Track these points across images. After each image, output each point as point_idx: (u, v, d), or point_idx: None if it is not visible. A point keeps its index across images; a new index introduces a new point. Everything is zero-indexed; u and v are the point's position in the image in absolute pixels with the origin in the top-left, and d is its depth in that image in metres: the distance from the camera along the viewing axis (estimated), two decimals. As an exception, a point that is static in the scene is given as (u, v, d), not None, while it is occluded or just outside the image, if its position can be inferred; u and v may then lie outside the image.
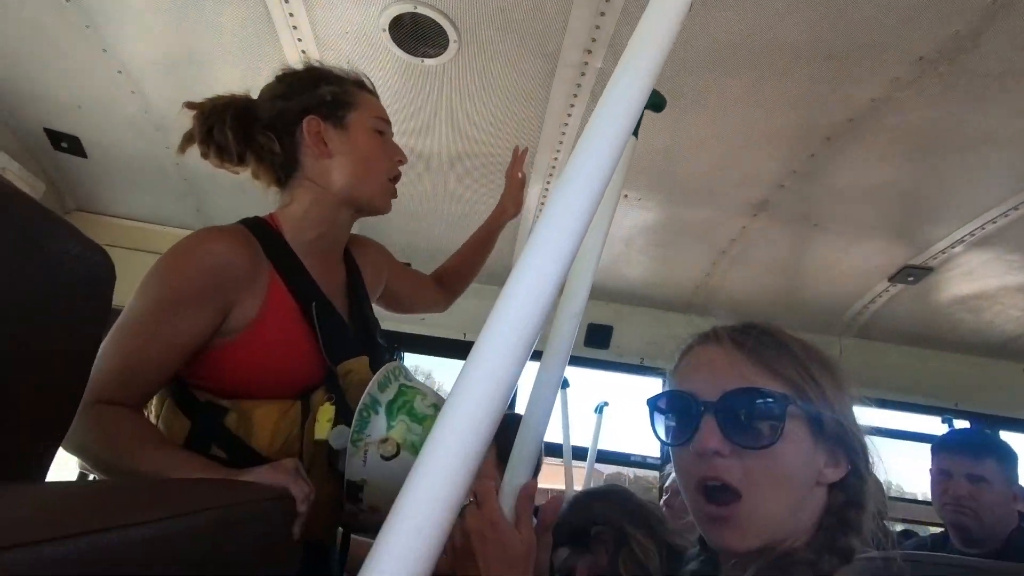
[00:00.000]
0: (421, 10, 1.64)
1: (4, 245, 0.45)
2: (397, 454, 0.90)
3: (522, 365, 0.42)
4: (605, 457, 2.95)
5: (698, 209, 2.40)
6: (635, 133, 0.94)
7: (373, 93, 1.09)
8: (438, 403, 1.00)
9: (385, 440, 0.90)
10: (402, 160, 1.09)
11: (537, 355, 0.83)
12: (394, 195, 1.09)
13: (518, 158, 1.55)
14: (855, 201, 2.21)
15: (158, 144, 2.34)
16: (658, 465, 2.91)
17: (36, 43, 1.94)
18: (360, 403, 0.91)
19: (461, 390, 0.40)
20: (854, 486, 0.65)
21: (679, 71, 1.71)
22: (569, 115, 1.95)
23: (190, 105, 1.00)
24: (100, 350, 0.79)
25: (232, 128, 0.97)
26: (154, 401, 0.92)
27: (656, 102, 0.96)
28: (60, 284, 0.50)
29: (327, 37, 1.78)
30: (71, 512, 0.38)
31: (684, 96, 1.81)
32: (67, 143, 2.41)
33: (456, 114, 2.02)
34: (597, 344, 2.97)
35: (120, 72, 2.03)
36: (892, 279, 2.65)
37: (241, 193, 2.55)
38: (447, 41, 1.74)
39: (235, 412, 0.90)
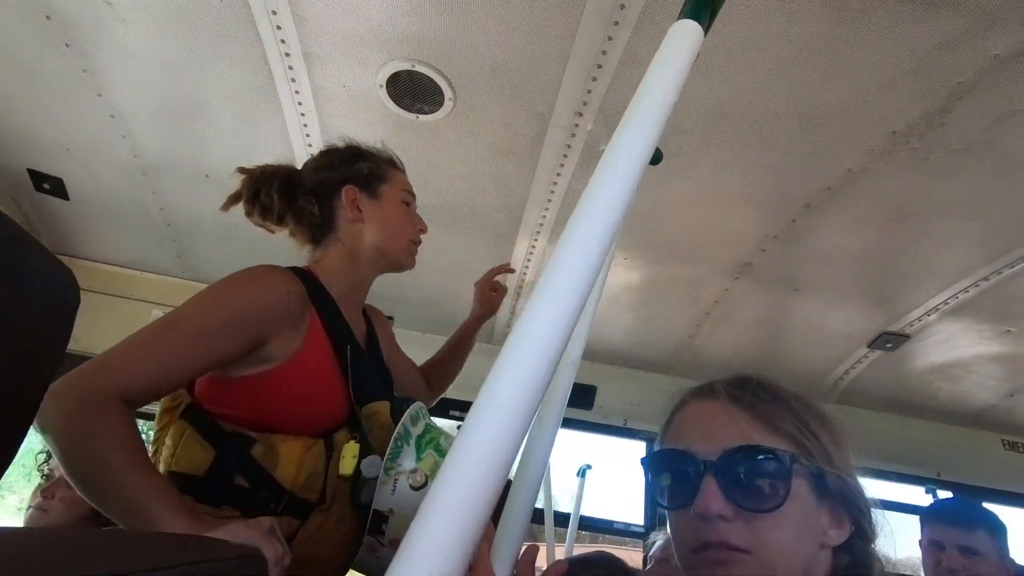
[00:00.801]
0: (419, 68, 1.69)
1: None
2: (425, 485, 0.94)
3: (524, 431, 0.39)
4: (588, 524, 2.84)
5: (682, 269, 2.43)
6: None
7: (402, 170, 1.24)
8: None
9: (415, 471, 0.95)
10: (423, 229, 1.23)
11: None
12: (416, 255, 1.23)
13: (495, 271, 1.55)
14: (834, 267, 2.27)
15: (144, 189, 2.33)
16: (642, 534, 2.80)
17: (31, 84, 1.94)
18: (395, 432, 0.95)
19: (457, 460, 0.36)
20: (860, 548, 0.62)
21: (665, 131, 1.77)
22: (559, 174, 2.00)
23: (242, 170, 1.13)
24: (132, 343, 0.82)
25: (278, 192, 1.10)
26: (171, 430, 0.93)
27: (655, 158, 0.97)
28: (19, 296, 0.46)
29: (325, 91, 1.82)
30: (24, 563, 0.33)
31: (671, 157, 1.87)
32: (50, 184, 2.37)
33: (448, 169, 2.06)
34: (581, 404, 2.92)
35: (113, 116, 2.03)
36: (871, 345, 2.69)
37: (227, 241, 2.54)
38: (442, 99, 1.79)
39: (262, 443, 0.92)
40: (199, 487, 0.88)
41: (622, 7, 1.41)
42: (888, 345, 2.66)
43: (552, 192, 2.08)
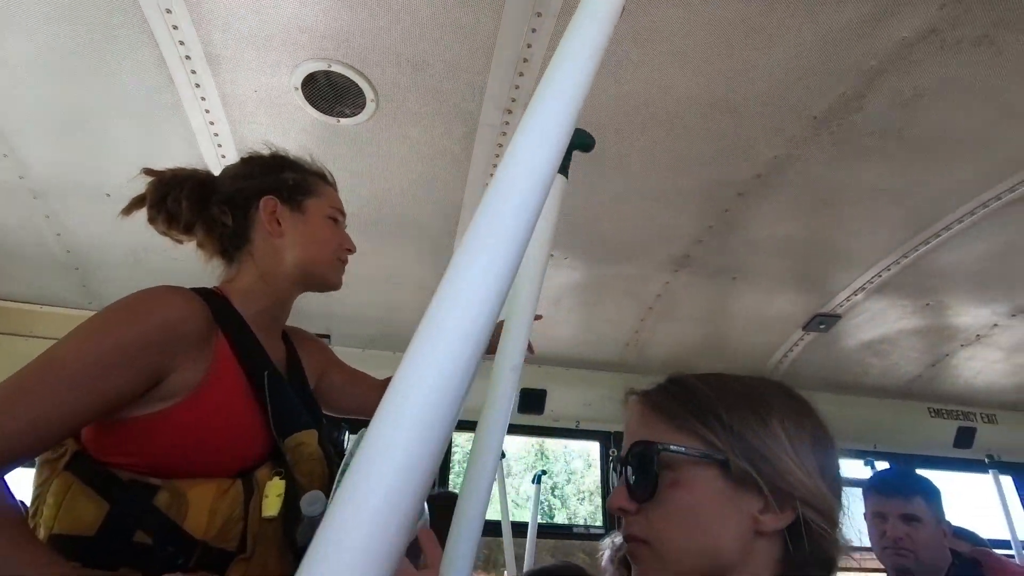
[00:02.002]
0: (336, 68, 1.59)
1: None
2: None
3: (439, 443, 0.31)
4: (547, 531, 2.78)
5: (623, 266, 2.43)
6: (564, 172, 0.91)
7: (333, 185, 1.15)
8: None
9: None
10: (351, 248, 1.13)
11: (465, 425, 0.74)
12: (342, 272, 1.13)
13: None
14: (769, 254, 2.32)
15: (36, 213, 2.10)
16: (601, 535, 2.77)
17: None
18: (342, 464, 0.84)
19: (359, 478, 0.29)
20: (816, 533, 0.59)
21: (597, 131, 1.75)
22: (491, 175, 1.94)
23: (149, 172, 1.02)
24: (8, 382, 0.72)
25: (188, 198, 0.99)
26: (53, 485, 0.80)
27: (584, 142, 0.94)
28: None
29: (234, 96, 1.69)
30: None
31: (601, 154, 1.85)
32: (-78, 213, 2.10)
33: (375, 174, 1.96)
34: (531, 409, 2.87)
35: (-8, 133, 1.82)
36: (805, 327, 2.78)
37: (136, 266, 2.33)
38: (364, 101, 1.69)
39: (166, 491, 0.80)
40: (89, 549, 0.75)
41: (543, -4, 1.37)
42: (821, 326, 2.75)
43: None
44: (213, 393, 0.86)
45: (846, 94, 1.61)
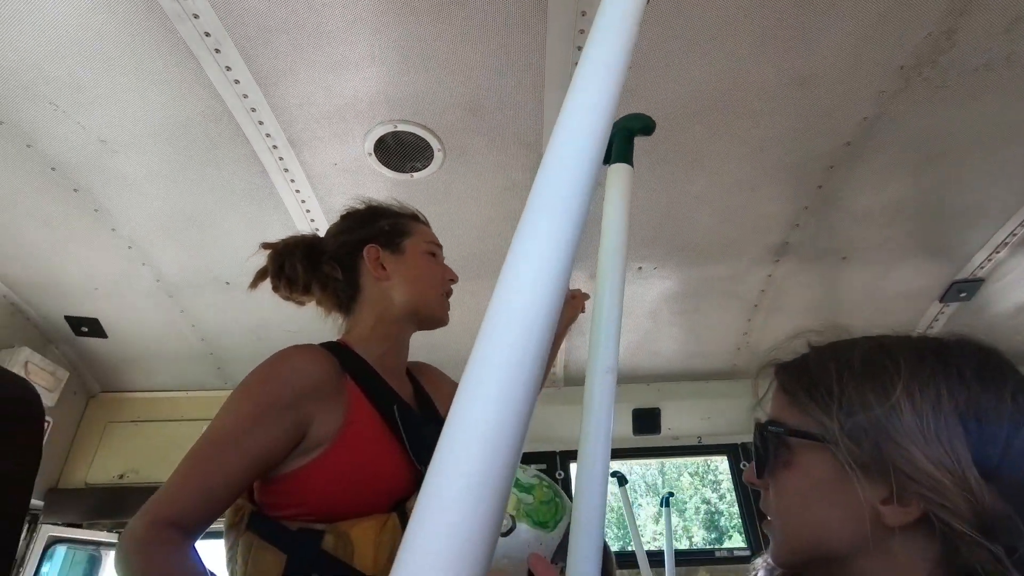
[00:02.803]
0: (401, 128, 1.69)
1: None
2: (512, 527, 0.95)
3: (508, 464, 0.30)
4: (686, 558, 2.61)
5: (717, 267, 2.31)
6: (628, 160, 0.89)
7: (425, 223, 1.21)
8: (539, 475, 1.07)
9: None
10: (454, 278, 1.17)
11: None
12: (448, 307, 1.17)
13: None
14: (879, 225, 2.11)
15: (173, 310, 2.38)
16: (747, 557, 2.56)
17: (53, 234, 2.04)
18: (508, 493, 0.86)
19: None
20: (958, 543, 0.47)
21: (663, 130, 1.71)
22: (564, 198, 1.95)
23: (266, 245, 1.11)
24: (179, 470, 0.81)
25: (300, 261, 1.08)
26: (239, 547, 0.89)
27: (645, 125, 0.92)
28: None
29: (318, 172, 1.84)
30: None
31: (674, 154, 1.80)
32: (87, 327, 2.46)
33: (456, 219, 2.03)
34: (647, 430, 2.75)
35: (130, 247, 2.10)
36: (943, 299, 2.46)
37: (259, 342, 2.55)
38: (432, 152, 1.78)
39: (331, 534, 0.86)
40: None
41: (583, 14, 1.38)
42: (962, 295, 2.43)
43: (563, 218, 2.02)
44: (353, 435, 0.91)
45: (932, 34, 1.46)
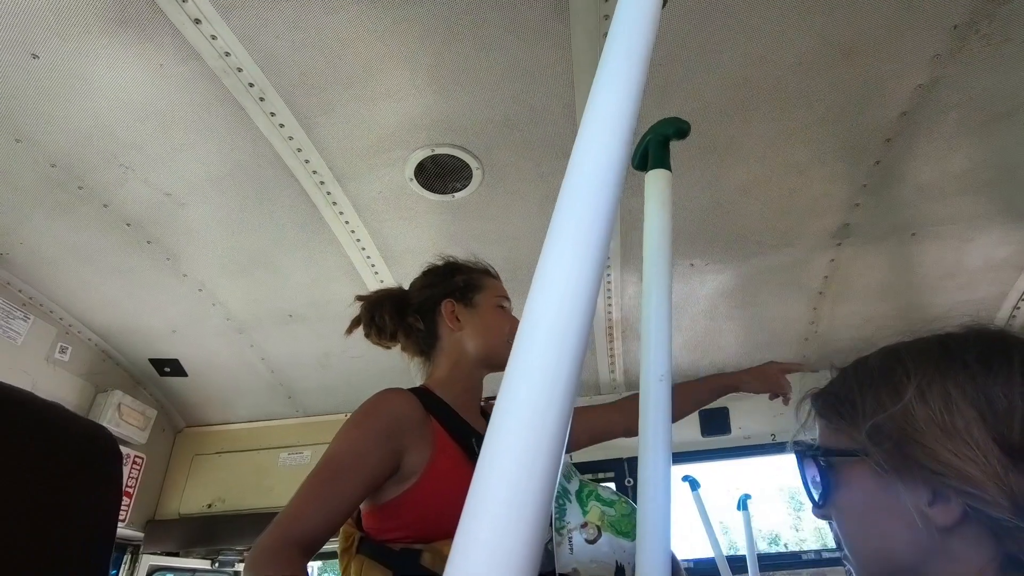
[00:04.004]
0: (439, 151, 1.73)
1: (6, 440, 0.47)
2: (599, 536, 1.00)
3: (548, 476, 0.30)
4: (770, 563, 2.49)
5: (774, 256, 2.22)
6: (666, 166, 0.88)
7: (496, 277, 1.34)
8: (617, 493, 1.15)
9: (585, 524, 0.99)
10: None
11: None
12: None
13: (795, 366, 1.51)
14: (950, 194, 1.97)
15: (243, 345, 2.51)
16: (837, 560, 2.41)
17: (131, 284, 2.20)
18: (554, 491, 0.92)
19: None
20: (1005, 536, 0.45)
21: (700, 124, 1.67)
22: (606, 202, 1.93)
23: (359, 297, 1.26)
24: (298, 493, 0.93)
25: (388, 312, 1.22)
26: (352, 567, 1.03)
27: (679, 128, 0.91)
28: (67, 464, 0.52)
29: (364, 202, 1.91)
30: None
31: (714, 145, 1.75)
32: (169, 367, 2.63)
33: (501, 234, 2.05)
34: (716, 431, 2.66)
35: (200, 290, 2.24)
36: (1034, 267, 2.27)
37: (324, 371, 2.65)
38: (470, 171, 1.81)
39: (428, 552, 0.98)
40: None
41: (605, 17, 1.37)
42: (1055, 261, 2.23)
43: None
44: (438, 467, 1.03)
45: (987, -13, 1.36)
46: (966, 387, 0.49)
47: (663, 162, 0.90)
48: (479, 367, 1.22)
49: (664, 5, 0.61)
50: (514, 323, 1.24)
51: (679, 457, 2.64)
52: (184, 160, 1.74)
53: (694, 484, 2.50)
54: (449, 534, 0.94)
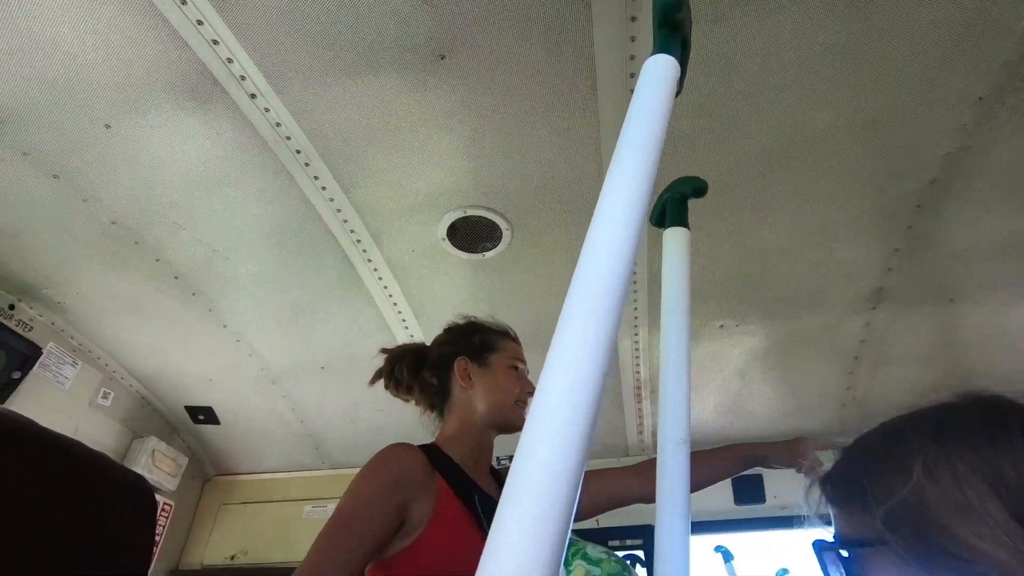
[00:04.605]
0: (471, 213, 1.80)
1: (44, 486, 0.49)
2: None
3: (556, 542, 0.32)
4: (812, 647, 2.32)
5: (806, 319, 2.19)
6: (684, 224, 0.90)
7: (514, 339, 1.34)
8: (609, 552, 1.12)
9: None
10: (531, 391, 1.27)
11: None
12: (524, 413, 1.27)
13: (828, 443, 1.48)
14: (987, 261, 1.93)
15: (275, 395, 2.57)
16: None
17: (175, 332, 2.30)
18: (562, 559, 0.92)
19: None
20: None
21: (727, 183, 1.71)
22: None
23: (383, 351, 1.31)
24: (310, 553, 0.95)
25: (407, 367, 1.27)
26: None
27: (697, 187, 0.93)
28: (107, 511, 0.54)
29: (398, 260, 1.98)
30: None
31: (741, 205, 1.77)
32: (203, 415, 2.69)
33: (532, 293, 2.09)
34: (750, 499, 2.55)
35: (238, 340, 2.32)
36: (1085, 335, 2.17)
37: (351, 424, 2.67)
38: (500, 231, 1.87)
39: None
40: None
41: (632, 75, 1.44)
42: (1108, 330, 2.13)
43: (634, 281, 2.03)
44: (441, 524, 1.03)
45: (1011, 59, 1.39)
46: (972, 460, 0.47)
47: (681, 220, 0.92)
48: (488, 427, 1.22)
49: (678, 95, 0.66)
50: (526, 385, 1.26)
51: (710, 526, 2.53)
52: (232, 218, 1.85)
53: (727, 555, 2.39)
54: None
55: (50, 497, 0.53)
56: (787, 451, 1.39)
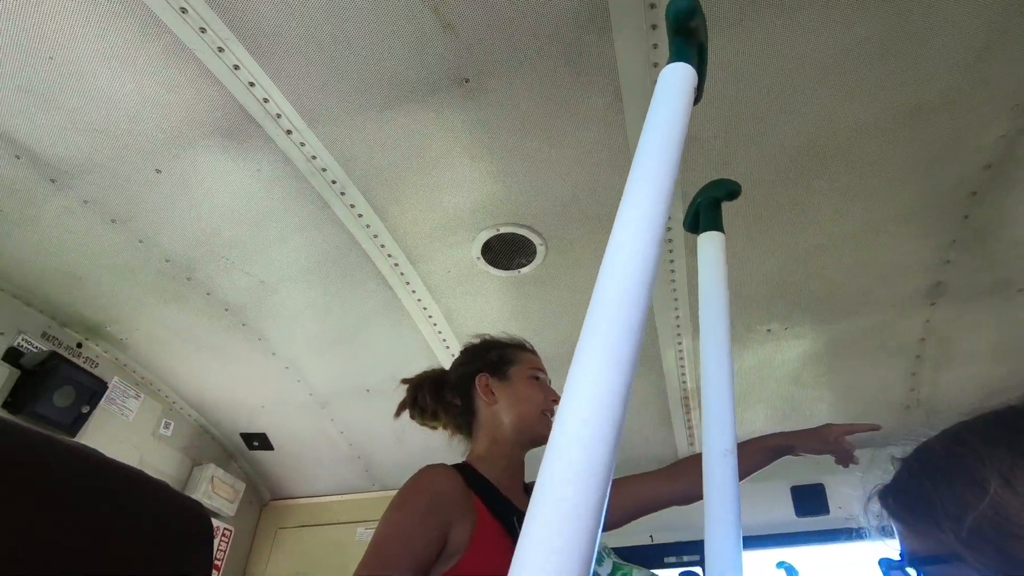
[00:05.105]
0: (504, 230, 1.81)
1: (103, 513, 0.52)
2: None
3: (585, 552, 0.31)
4: (891, 668, 2.17)
5: (859, 319, 2.09)
6: (718, 227, 0.88)
7: (531, 351, 1.35)
8: (652, 572, 1.11)
9: None
10: (556, 399, 1.27)
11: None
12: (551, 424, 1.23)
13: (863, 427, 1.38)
14: (1055, 246, 1.80)
15: (324, 419, 2.63)
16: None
17: (227, 363, 2.39)
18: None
19: None
20: None
21: (763, 186, 1.66)
22: (672, 269, 1.92)
23: (404, 381, 1.32)
24: (356, 570, 0.96)
25: (429, 393, 1.28)
26: None
27: (730, 190, 0.91)
28: (168, 538, 0.56)
29: (435, 281, 2.01)
30: None
31: (780, 207, 1.72)
32: (258, 441, 2.78)
33: (568, 307, 2.08)
34: (813, 511, 2.43)
35: (287, 368, 2.39)
36: None
37: (398, 445, 2.70)
38: (534, 247, 1.87)
39: None
40: None
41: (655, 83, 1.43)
42: None
43: (674, 290, 1.99)
44: (480, 545, 1.01)
45: (1063, 36, 1.31)
46: None
47: (715, 224, 0.90)
48: (516, 442, 1.21)
49: (698, 101, 0.65)
50: (549, 394, 1.25)
51: (771, 540, 2.42)
52: (276, 250, 1.93)
53: (791, 571, 2.27)
54: None
55: (120, 522, 0.56)
56: (815, 438, 1.33)
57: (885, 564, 0.57)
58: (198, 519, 0.63)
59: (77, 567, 0.52)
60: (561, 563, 0.30)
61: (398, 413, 1.30)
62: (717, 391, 0.78)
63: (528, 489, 1.23)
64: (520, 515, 1.07)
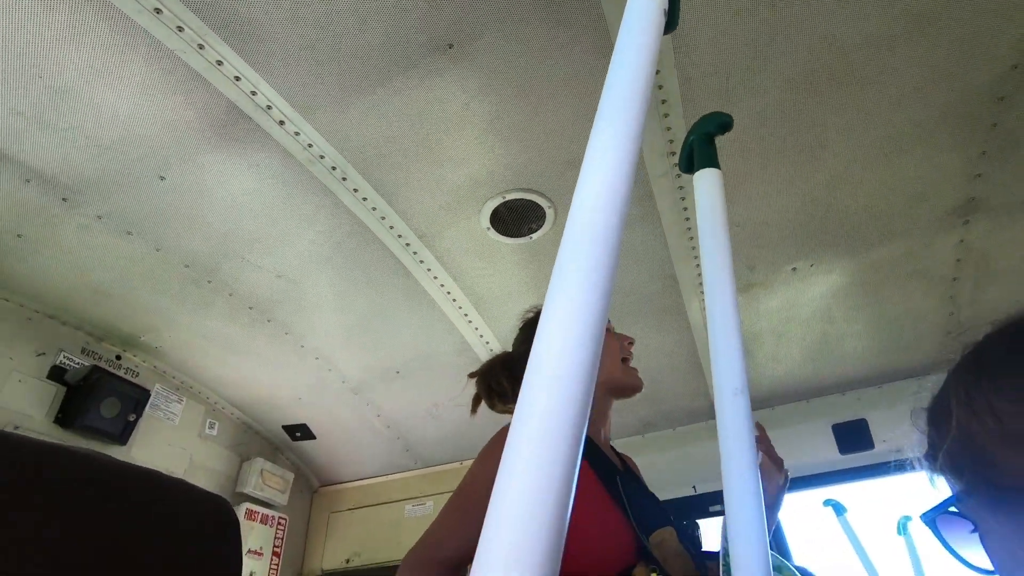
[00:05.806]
0: (509, 196, 1.79)
1: (126, 512, 0.54)
2: None
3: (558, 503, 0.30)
4: (950, 595, 2.15)
5: (888, 247, 2.01)
6: (714, 164, 0.84)
7: None
8: (782, 559, 1.07)
9: None
10: (631, 340, 1.28)
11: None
12: (634, 373, 1.26)
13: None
14: (1096, 146, 1.69)
15: (359, 404, 2.68)
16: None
17: (259, 360, 2.45)
18: (721, 549, 0.87)
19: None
20: None
21: (769, 119, 1.59)
22: (687, 219, 1.87)
23: (472, 374, 1.30)
24: (437, 519, 1.02)
25: (504, 376, 1.25)
26: None
27: (721, 122, 0.87)
28: (187, 532, 0.59)
29: (448, 257, 2.01)
30: None
31: (791, 138, 1.65)
32: (300, 432, 2.86)
33: (581, 269, 2.05)
34: (856, 447, 2.39)
35: (317, 358, 2.44)
36: None
37: (432, 422, 2.74)
38: (543, 211, 1.84)
39: None
40: None
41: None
42: None
43: (691, 240, 1.94)
44: (580, 504, 0.99)
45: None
46: (1006, 390, 0.42)
47: (711, 160, 0.86)
48: (604, 396, 1.20)
49: (672, 29, 0.62)
50: (623, 338, 1.25)
51: (815, 480, 2.40)
52: (290, 244, 1.94)
53: (839, 508, 2.26)
54: (587, 574, 0.92)
55: (157, 521, 0.58)
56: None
57: (927, 518, 0.54)
58: (220, 511, 0.65)
59: (103, 565, 0.54)
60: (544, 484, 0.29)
61: (474, 409, 1.28)
62: (723, 330, 0.75)
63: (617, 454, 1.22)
64: (622, 475, 1.08)
